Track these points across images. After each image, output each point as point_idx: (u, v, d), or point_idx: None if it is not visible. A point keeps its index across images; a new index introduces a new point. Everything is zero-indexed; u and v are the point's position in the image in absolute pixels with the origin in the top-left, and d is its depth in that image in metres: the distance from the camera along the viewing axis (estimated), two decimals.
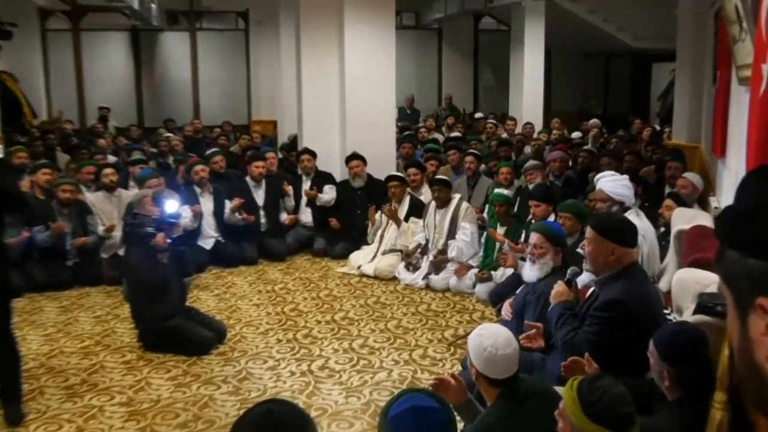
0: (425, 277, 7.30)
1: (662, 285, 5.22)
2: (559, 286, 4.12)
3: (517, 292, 5.18)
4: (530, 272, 4.77)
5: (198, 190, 8.32)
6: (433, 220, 7.48)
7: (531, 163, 8.35)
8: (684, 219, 5.72)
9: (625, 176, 5.75)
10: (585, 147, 10.07)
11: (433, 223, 7.45)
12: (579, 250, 5.03)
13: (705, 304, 3.44)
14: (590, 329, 3.75)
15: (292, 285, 7.45)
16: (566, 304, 4.01)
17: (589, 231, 3.88)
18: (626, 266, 3.80)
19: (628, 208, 5.52)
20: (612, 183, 5.54)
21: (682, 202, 6.38)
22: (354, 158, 8.81)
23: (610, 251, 3.77)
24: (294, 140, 10.67)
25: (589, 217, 5.45)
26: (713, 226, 1.89)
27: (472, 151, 8.89)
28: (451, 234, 7.32)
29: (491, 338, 3.22)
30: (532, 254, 4.72)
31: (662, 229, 6.29)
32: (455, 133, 12.19)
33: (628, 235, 3.84)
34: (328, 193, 8.92)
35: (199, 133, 13.72)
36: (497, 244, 7.02)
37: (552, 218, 6.12)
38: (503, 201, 6.91)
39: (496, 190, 7.15)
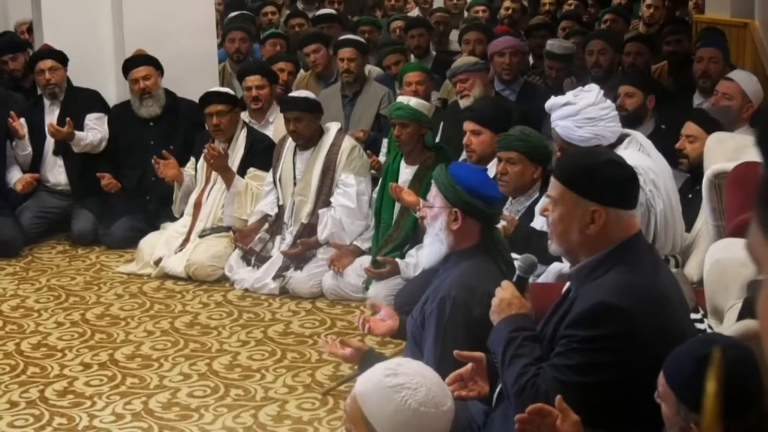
0: (279, 275, 6.39)
1: (690, 270, 4.62)
2: (503, 290, 3.28)
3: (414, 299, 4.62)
4: (426, 252, 4.06)
5: None
6: (291, 171, 6.54)
7: (464, 60, 6.98)
8: (725, 152, 5.15)
9: (610, 105, 4.64)
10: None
11: (292, 178, 6.56)
12: (540, 216, 4.40)
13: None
14: (564, 361, 3.01)
15: (35, 300, 6.56)
16: (518, 321, 3.23)
17: (553, 184, 3.13)
18: (622, 243, 3.09)
19: (626, 136, 4.63)
20: (570, 121, 4.47)
21: (713, 123, 5.24)
22: (139, 63, 7.37)
23: (589, 217, 3.06)
24: (26, 30, 9.23)
25: (553, 157, 4.99)
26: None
27: (351, 37, 7.59)
28: (324, 196, 6.49)
29: (420, 387, 2.61)
30: (423, 217, 4.11)
31: (684, 172, 5.34)
32: (326, 10, 10.64)
33: (622, 186, 3.12)
34: (95, 129, 7.49)
35: None
36: (397, 207, 5.96)
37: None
38: (410, 118, 5.84)
39: (400, 99, 6.16)
